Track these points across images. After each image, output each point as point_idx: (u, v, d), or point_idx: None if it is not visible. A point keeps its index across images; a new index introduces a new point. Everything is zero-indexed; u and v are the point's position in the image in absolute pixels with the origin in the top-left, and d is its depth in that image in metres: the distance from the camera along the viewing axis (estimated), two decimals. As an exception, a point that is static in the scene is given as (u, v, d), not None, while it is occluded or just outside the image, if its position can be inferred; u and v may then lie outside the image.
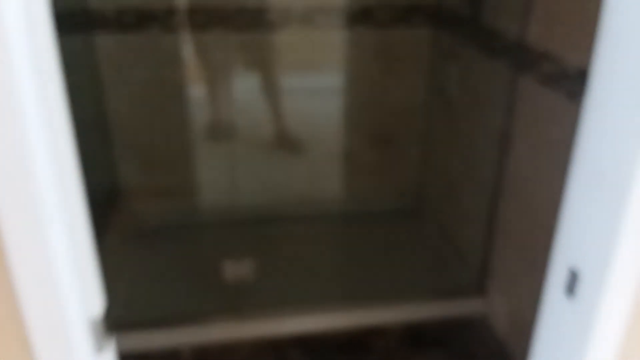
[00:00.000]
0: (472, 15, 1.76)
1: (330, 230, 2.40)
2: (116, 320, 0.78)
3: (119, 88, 2.06)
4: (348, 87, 2.25)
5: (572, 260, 0.75)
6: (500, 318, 1.71)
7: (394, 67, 2.20)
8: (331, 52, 2.20)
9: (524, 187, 1.53)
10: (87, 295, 0.70)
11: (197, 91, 2.15)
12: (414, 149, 2.38)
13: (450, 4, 1.99)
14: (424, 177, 2.41)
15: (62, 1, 1.89)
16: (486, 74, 1.71)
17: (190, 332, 1.75)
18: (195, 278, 1.99)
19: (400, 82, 2.23)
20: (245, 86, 2.23)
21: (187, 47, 2.06)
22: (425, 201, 2.43)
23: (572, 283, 0.75)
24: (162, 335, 1.73)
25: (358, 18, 2.08)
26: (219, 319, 1.76)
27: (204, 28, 2.02)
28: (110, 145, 2.17)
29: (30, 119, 0.56)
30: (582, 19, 1.22)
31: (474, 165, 1.86)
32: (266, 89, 2.24)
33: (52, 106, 0.60)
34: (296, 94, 2.26)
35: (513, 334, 1.64)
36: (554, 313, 0.81)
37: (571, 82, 1.27)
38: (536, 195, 1.45)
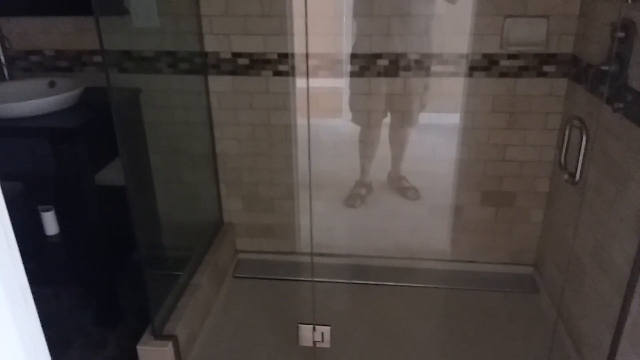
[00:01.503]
0: (617, 73, 1.48)
1: (432, 289, 2.19)
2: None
3: (229, 128, 2.11)
4: (465, 137, 2.06)
5: None
6: None
7: (520, 120, 1.95)
8: (449, 100, 2.03)
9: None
10: None
11: (303, 133, 2.12)
12: (535, 213, 2.09)
13: (589, 54, 1.71)
14: (544, 246, 2.10)
15: (180, 44, 2.00)
16: (629, 145, 1.42)
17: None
18: (278, 327, 1.93)
19: (526, 137, 1.98)
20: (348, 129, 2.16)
21: (297, 90, 2.04)
22: (542, 272, 2.12)
23: None
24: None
25: (482, 65, 1.89)
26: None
27: (316, 73, 1.99)
28: (217, 182, 2.22)
29: None
30: None
31: (604, 247, 1.55)
32: (394, 134, 2.16)
33: None
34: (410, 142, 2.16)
35: None
36: None
37: None
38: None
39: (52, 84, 1.97)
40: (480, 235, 2.19)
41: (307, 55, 1.95)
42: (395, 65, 1.93)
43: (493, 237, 2.18)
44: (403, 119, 2.12)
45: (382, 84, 2.00)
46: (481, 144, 2.02)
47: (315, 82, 2.02)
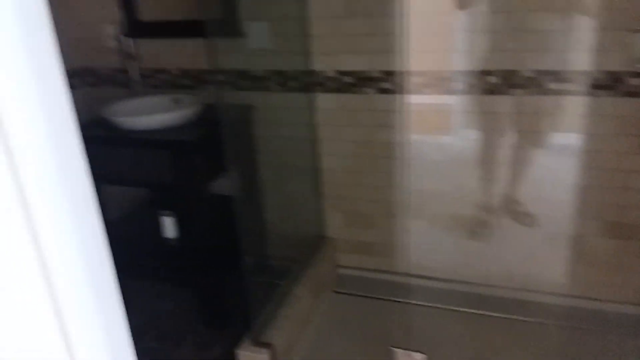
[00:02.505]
0: None
1: (545, 325, 2.02)
2: None
3: (333, 144, 2.14)
4: (587, 160, 1.88)
5: None
6: None
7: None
8: (568, 120, 1.87)
9: None
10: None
11: (406, 151, 2.09)
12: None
13: None
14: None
15: (290, 63, 2.08)
16: None
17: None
18: (373, 347, 1.91)
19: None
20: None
21: (403, 107, 2.01)
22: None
23: None
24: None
25: (605, 84, 1.71)
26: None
27: (422, 90, 1.95)
28: (320, 196, 2.27)
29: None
30: None
31: None
32: (511, 154, 2.03)
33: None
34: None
35: None
36: None
37: None
38: None
39: (176, 100, 2.16)
40: (602, 270, 1.97)
41: (406, 72, 1.92)
42: (507, 83, 1.83)
43: (618, 272, 1.95)
44: (524, 139, 1.97)
45: (498, 102, 1.89)
46: (604, 169, 1.83)
47: (421, 99, 1.97)
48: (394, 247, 2.24)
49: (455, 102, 1.98)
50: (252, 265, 2.49)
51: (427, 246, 2.20)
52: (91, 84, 2.40)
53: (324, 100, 2.08)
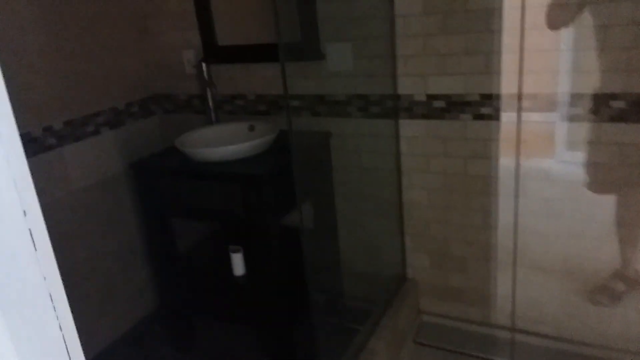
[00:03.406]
0: None
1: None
2: None
3: (419, 175, 1.92)
4: None
5: None
6: None
7: None
8: None
9: None
10: None
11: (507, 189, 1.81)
12: None
13: None
14: None
15: (373, 87, 1.89)
16: None
17: None
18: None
19: None
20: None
21: (505, 136, 1.75)
22: None
23: None
24: None
25: None
26: None
27: (528, 116, 1.68)
28: (402, 233, 2.04)
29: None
30: None
31: None
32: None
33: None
34: None
35: None
36: None
37: None
38: None
39: (251, 128, 2.04)
40: None
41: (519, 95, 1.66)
42: (637, 108, 1.52)
43: None
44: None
45: (627, 133, 1.57)
46: None
47: (526, 127, 1.70)
48: (489, 295, 1.95)
49: (568, 130, 1.68)
50: (324, 306, 2.29)
51: (531, 298, 1.88)
52: (169, 110, 2.35)
53: (411, 127, 1.86)
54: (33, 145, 1.86)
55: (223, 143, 1.92)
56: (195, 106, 2.28)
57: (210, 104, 2.15)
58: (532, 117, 1.68)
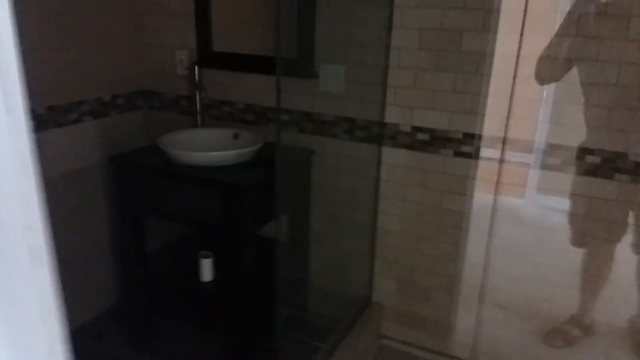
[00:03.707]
0: None
1: None
2: None
3: (394, 203, 1.96)
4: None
5: None
6: None
7: None
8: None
9: None
10: None
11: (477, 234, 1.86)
12: None
13: None
14: None
15: (361, 112, 1.93)
16: None
17: None
18: None
19: None
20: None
21: (479, 174, 1.81)
22: None
23: None
24: None
25: None
26: None
27: (505, 159, 1.74)
28: (372, 257, 2.07)
29: None
30: None
31: None
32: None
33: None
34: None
35: None
36: None
37: None
38: None
39: (236, 136, 2.05)
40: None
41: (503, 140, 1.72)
42: (610, 166, 1.59)
43: None
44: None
45: (600, 186, 1.63)
46: None
47: (505, 169, 1.76)
48: (450, 327, 1.99)
49: (543, 177, 1.75)
50: (289, 320, 2.30)
51: (490, 334, 1.93)
52: (155, 107, 2.34)
53: (392, 155, 1.91)
54: (12, 127, 1.82)
55: (207, 148, 1.93)
56: (182, 107, 2.27)
57: (198, 107, 2.15)
58: (510, 160, 1.74)
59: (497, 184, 1.78)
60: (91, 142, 2.13)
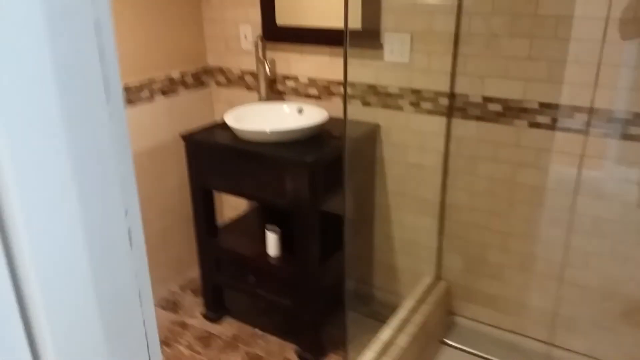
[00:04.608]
0: None
1: None
2: None
3: (464, 178, 1.88)
4: None
5: None
6: None
7: None
8: None
9: None
10: None
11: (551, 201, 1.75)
12: None
13: None
14: None
15: (428, 82, 1.85)
16: None
17: None
18: None
19: None
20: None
21: (558, 147, 1.69)
22: None
23: None
24: None
25: None
26: None
27: (587, 131, 1.61)
28: (439, 233, 2.02)
29: None
30: None
31: None
32: None
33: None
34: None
35: None
36: None
37: None
38: None
39: (300, 111, 2.04)
40: None
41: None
42: None
43: None
44: None
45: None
46: None
47: (584, 140, 1.64)
48: (526, 305, 1.91)
49: (626, 148, 1.60)
50: (355, 294, 2.31)
51: (569, 313, 1.84)
52: (222, 83, 2.38)
53: (462, 128, 1.82)
54: (91, 107, 1.92)
55: (271, 123, 1.93)
56: (247, 82, 2.29)
57: (262, 82, 2.16)
58: (591, 132, 1.61)
59: (581, 157, 1.66)
60: (162, 120, 2.21)
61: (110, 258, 0.39)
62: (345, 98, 1.76)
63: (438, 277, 2.08)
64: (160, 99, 2.18)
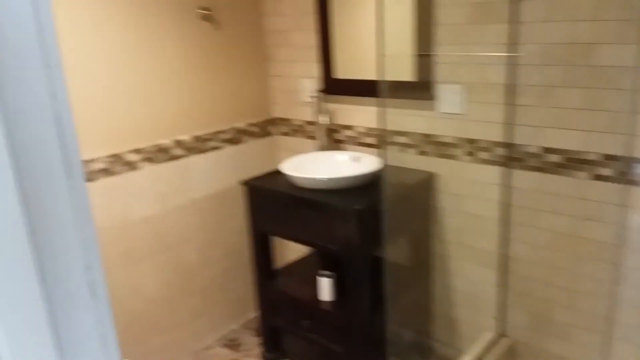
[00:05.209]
0: None
1: None
2: None
3: (525, 230, 1.80)
4: None
5: None
6: None
7: None
8: None
9: None
10: None
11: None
12: None
13: None
14: None
15: (484, 133, 1.82)
16: None
17: None
18: None
19: None
20: None
21: (625, 202, 1.58)
22: None
23: None
24: None
25: None
26: None
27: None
28: (500, 286, 1.93)
29: None
30: None
31: None
32: None
33: None
34: None
35: None
36: None
37: None
38: None
39: (356, 159, 2.08)
40: None
41: None
42: None
43: None
44: None
45: None
46: None
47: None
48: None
49: None
50: (407, 343, 2.24)
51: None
52: (285, 132, 2.49)
53: (521, 179, 1.76)
54: (163, 154, 2.09)
55: (328, 171, 1.99)
56: (308, 131, 2.38)
57: (322, 131, 2.23)
58: (662, 186, 1.49)
59: (648, 212, 1.54)
60: (227, 167, 2.35)
61: (71, 307, 0.45)
62: (379, 145, 1.77)
63: (501, 334, 1.98)
64: (227, 148, 2.32)
